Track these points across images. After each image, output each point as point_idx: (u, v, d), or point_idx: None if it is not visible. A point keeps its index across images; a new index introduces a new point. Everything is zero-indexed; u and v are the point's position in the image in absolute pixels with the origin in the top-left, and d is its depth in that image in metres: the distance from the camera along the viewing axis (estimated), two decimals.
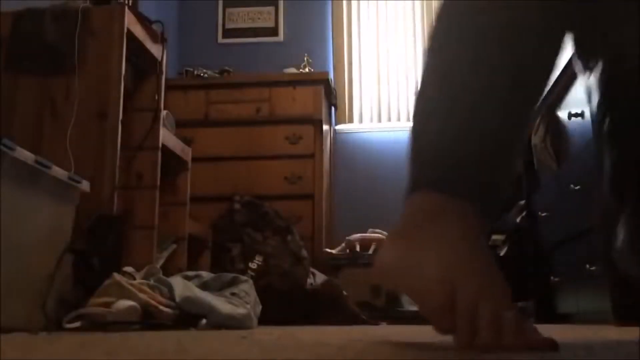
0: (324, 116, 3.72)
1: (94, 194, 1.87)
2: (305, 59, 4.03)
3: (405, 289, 0.76)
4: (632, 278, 0.80)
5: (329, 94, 3.97)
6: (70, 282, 1.70)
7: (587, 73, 0.83)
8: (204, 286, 1.91)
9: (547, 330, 0.75)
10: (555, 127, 2.43)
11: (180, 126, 2.88)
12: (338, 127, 4.23)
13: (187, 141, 2.79)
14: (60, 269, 1.65)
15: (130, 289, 1.61)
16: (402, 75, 4.22)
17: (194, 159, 2.88)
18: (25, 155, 1.50)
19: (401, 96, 4.19)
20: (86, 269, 1.73)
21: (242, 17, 4.43)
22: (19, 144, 1.49)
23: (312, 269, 2.95)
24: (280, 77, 3.77)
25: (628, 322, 1.78)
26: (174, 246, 2.58)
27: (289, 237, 2.94)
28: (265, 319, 2.02)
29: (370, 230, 3.53)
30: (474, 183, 0.75)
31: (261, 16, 4.42)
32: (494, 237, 3.53)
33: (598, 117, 0.84)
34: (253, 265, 2.72)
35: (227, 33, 4.43)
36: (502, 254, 3.42)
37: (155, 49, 2.37)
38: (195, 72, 3.84)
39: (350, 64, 4.27)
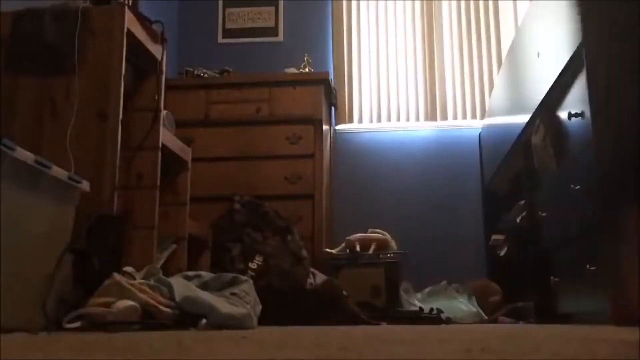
0: (324, 116, 3.72)
1: (94, 194, 1.87)
2: (305, 59, 4.03)
3: None
4: None
5: (329, 94, 3.97)
6: (70, 282, 1.70)
7: None
8: (204, 286, 1.91)
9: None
10: (555, 127, 2.43)
11: (180, 126, 2.88)
12: (338, 127, 4.23)
13: (187, 141, 2.79)
14: (60, 269, 1.65)
15: (130, 289, 1.61)
16: (402, 75, 4.22)
17: (194, 159, 2.88)
18: (25, 155, 1.50)
19: (401, 96, 4.19)
20: (86, 269, 1.74)
21: (242, 17, 4.43)
22: (19, 144, 1.49)
23: (312, 269, 2.95)
24: (280, 77, 3.77)
25: (628, 322, 1.78)
26: (174, 246, 2.58)
27: (289, 237, 2.94)
28: (265, 319, 2.02)
29: (370, 230, 3.53)
30: None
31: (261, 16, 4.43)
32: (494, 237, 3.53)
33: None
34: (253, 265, 2.72)
35: (227, 33, 4.44)
36: (502, 254, 3.42)
37: (155, 49, 2.37)
38: (195, 72, 3.84)
39: (350, 64, 4.27)
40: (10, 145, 1.43)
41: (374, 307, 3.01)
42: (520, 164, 3.00)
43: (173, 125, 2.65)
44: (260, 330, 1.73)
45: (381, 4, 4.34)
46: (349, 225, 3.79)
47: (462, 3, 4.28)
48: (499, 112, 3.46)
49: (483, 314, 3.15)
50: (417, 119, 4.17)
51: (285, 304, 2.49)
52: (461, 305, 3.21)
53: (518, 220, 3.01)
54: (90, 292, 1.62)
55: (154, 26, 2.37)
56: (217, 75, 3.86)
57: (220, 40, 4.43)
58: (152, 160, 2.30)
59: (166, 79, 2.53)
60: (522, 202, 2.98)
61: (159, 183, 2.30)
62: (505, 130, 3.25)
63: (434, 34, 4.25)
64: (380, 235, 3.45)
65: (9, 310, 1.44)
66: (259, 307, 2.00)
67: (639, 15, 2.01)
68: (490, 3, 4.26)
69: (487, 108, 3.99)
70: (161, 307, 1.65)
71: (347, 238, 3.47)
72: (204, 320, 1.68)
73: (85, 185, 1.77)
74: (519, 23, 3.75)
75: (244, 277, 2.02)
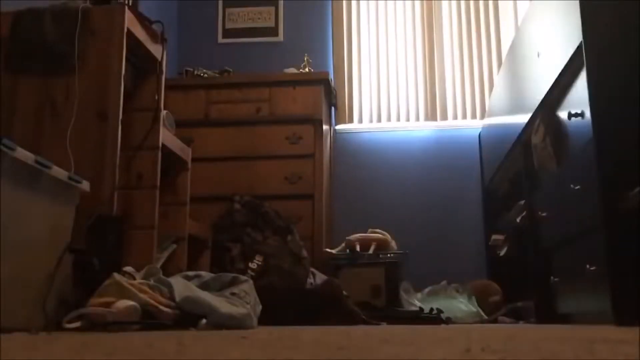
0: (324, 116, 3.72)
1: (94, 194, 1.87)
2: (305, 59, 4.03)
3: None
4: None
5: (329, 94, 3.97)
6: (70, 282, 1.70)
7: None
8: (204, 286, 1.91)
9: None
10: (555, 127, 2.43)
11: (180, 126, 2.88)
12: (338, 127, 4.23)
13: (187, 141, 2.79)
14: (60, 269, 1.65)
15: (130, 289, 1.61)
16: (401, 75, 4.22)
17: (194, 159, 2.88)
18: (25, 155, 1.50)
19: (401, 96, 4.19)
20: (86, 269, 1.73)
21: (242, 17, 4.43)
22: (19, 144, 1.49)
23: (312, 269, 2.95)
24: (280, 77, 3.77)
25: (628, 322, 1.78)
26: (174, 246, 2.58)
27: (289, 237, 2.94)
28: (265, 319, 2.02)
29: (370, 230, 3.53)
30: None
31: (261, 16, 4.43)
32: (494, 237, 3.53)
33: None
34: (253, 265, 2.72)
35: (227, 33, 4.44)
36: (502, 254, 3.42)
37: (155, 49, 2.37)
38: (195, 72, 3.84)
39: (350, 64, 4.27)
40: (10, 145, 1.43)
41: (373, 307, 3.01)
42: (520, 164, 3.00)
43: (173, 125, 2.65)
44: (260, 330, 1.73)
45: (381, 4, 4.34)
46: (349, 225, 3.79)
47: (462, 3, 4.28)
48: (499, 112, 3.46)
49: (483, 314, 3.15)
50: (417, 119, 4.17)
51: (285, 304, 2.49)
52: (461, 305, 3.22)
53: (518, 220, 3.01)
54: (90, 292, 1.62)
55: (154, 26, 2.37)
56: (217, 75, 3.87)
57: (220, 40, 4.44)
58: (152, 160, 2.30)
59: (166, 79, 2.53)
60: (522, 202, 2.98)
61: (159, 183, 2.30)
62: (505, 130, 3.25)
63: (434, 34, 4.25)
64: (380, 235, 3.45)
65: (9, 310, 1.44)
66: (259, 307, 2.00)
67: (639, 15, 2.01)
68: (490, 3, 4.26)
69: (487, 108, 3.99)
70: (161, 307, 1.65)
71: (347, 238, 3.47)
72: (204, 320, 1.68)
73: (85, 185, 1.77)
74: (519, 23, 3.75)
75: (244, 277, 2.02)
